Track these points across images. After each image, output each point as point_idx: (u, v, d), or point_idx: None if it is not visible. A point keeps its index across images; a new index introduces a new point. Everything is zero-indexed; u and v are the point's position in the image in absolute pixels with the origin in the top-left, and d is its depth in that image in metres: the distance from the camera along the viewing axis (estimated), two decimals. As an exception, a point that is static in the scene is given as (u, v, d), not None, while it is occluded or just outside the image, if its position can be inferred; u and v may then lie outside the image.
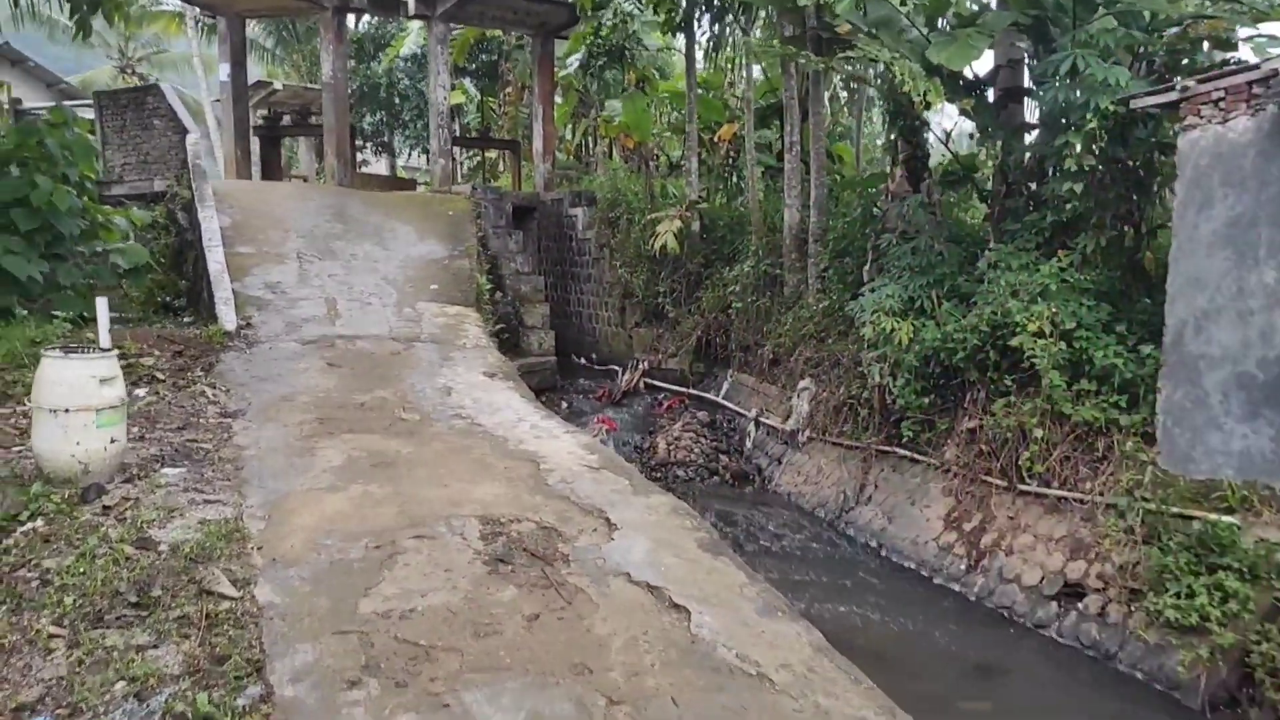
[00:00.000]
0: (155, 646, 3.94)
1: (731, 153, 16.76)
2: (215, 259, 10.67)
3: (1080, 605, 6.71)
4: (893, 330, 8.77)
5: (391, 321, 10.42)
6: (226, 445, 6.73)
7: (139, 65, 38.96)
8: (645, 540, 5.39)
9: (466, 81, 28.18)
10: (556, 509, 5.83)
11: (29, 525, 5.32)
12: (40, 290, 10.04)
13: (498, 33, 24.90)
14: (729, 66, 18.67)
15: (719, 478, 10.89)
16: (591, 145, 23.62)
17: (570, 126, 24.27)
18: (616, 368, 15.35)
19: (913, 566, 8.21)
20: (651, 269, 15.22)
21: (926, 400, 8.83)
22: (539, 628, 4.25)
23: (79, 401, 5.68)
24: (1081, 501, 7.06)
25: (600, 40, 16.15)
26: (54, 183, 9.91)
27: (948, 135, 12.62)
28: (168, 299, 11.80)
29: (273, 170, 18.98)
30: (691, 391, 13.53)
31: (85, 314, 10.36)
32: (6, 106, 14.02)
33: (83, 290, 10.50)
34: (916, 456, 8.92)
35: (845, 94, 17.60)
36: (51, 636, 4.05)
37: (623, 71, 22.70)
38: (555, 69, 19.21)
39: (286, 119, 18.65)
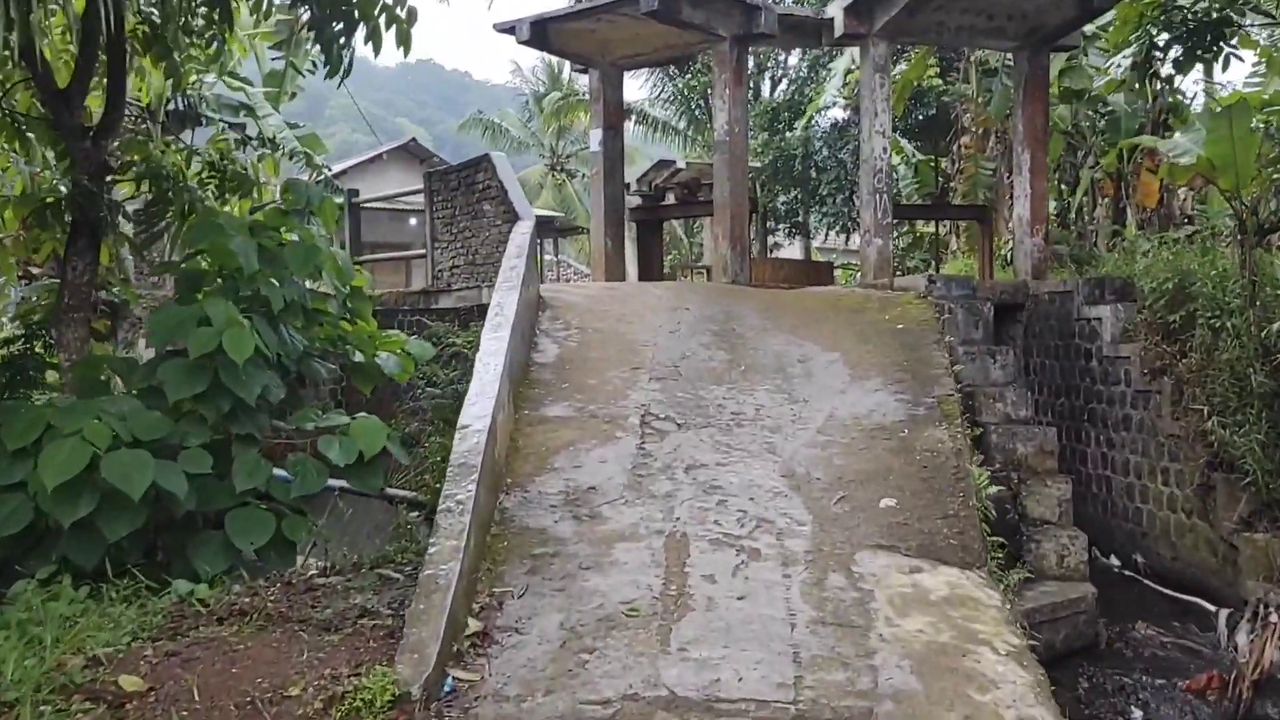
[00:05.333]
0: None
1: None
2: (461, 453, 5.18)
3: None
4: None
5: (798, 629, 4.25)
6: None
7: (567, 163, 39.38)
8: None
9: (902, 140, 22.78)
10: None
11: None
12: (185, 519, 5.40)
13: (936, 82, 19.56)
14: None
15: None
16: (1088, 209, 16.55)
17: (1054, 182, 17.48)
18: (1204, 603, 8.28)
19: None
20: (1273, 418, 8.18)
21: None
22: None
23: None
24: None
25: (1177, 10, 9.43)
26: (231, 313, 5.50)
27: None
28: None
29: (652, 265, 14.70)
30: None
31: (276, 554, 5.48)
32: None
33: (258, 518, 5.37)
34: None
35: None
36: None
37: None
38: (1049, 94, 12.88)
39: (670, 197, 14.41)
